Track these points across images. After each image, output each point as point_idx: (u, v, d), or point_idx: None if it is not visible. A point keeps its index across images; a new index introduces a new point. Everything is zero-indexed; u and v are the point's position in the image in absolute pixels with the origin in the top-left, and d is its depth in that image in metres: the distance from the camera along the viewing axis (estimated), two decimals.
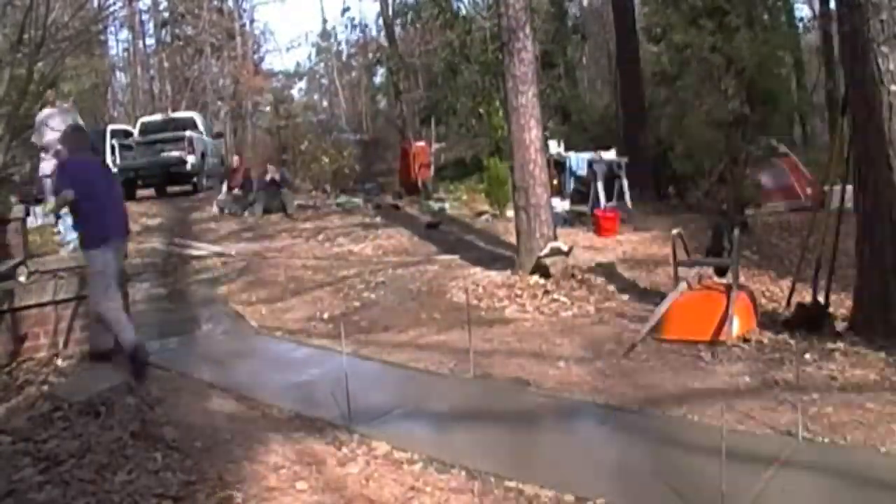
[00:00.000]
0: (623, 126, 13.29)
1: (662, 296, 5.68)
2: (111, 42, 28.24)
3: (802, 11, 19.64)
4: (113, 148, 14.48)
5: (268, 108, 25.32)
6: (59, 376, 4.36)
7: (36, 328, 4.66)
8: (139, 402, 4.10)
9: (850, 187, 5.28)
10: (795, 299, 5.73)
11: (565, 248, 7.22)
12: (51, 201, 5.73)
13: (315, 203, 13.42)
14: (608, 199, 10.48)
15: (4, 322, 4.51)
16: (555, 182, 10.04)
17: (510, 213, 8.66)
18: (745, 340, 4.93)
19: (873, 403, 3.80)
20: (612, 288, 6.62)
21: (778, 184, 10.29)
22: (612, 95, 17.42)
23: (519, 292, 6.65)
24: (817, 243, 5.67)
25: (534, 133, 7.34)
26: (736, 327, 4.95)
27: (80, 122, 8.36)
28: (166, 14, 28.62)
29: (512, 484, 3.13)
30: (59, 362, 4.64)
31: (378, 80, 26.26)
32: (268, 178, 12.39)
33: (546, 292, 6.57)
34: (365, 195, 14.02)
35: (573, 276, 6.89)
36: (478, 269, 7.67)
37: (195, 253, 8.93)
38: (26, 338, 4.61)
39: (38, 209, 8.96)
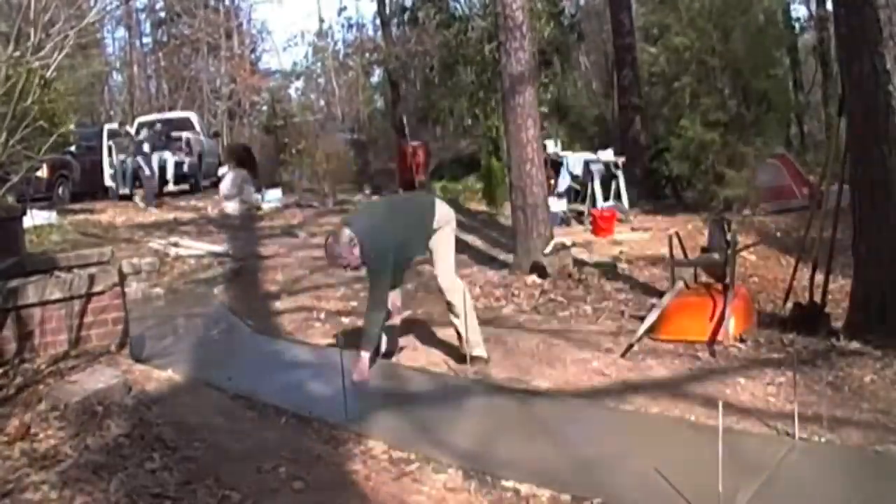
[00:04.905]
0: (620, 126, 13.30)
1: (659, 295, 5.69)
2: (107, 41, 28.21)
3: (799, 12, 19.66)
4: (110, 148, 14.46)
5: (265, 108, 25.29)
6: (57, 376, 4.35)
7: (38, 327, 4.64)
8: (136, 402, 4.10)
9: (847, 187, 5.29)
10: (792, 299, 5.74)
11: (569, 243, 7.29)
12: None
13: (313, 203, 13.42)
14: (605, 198, 10.49)
15: (9, 320, 4.49)
16: (551, 182, 10.06)
17: (507, 212, 8.67)
18: (742, 340, 4.93)
19: (868, 403, 3.81)
20: (609, 287, 6.63)
21: (774, 184, 10.31)
22: (610, 95, 17.43)
23: (516, 292, 6.66)
24: (814, 244, 5.68)
25: (531, 132, 7.34)
26: (733, 327, 4.96)
27: None
28: (163, 13, 28.57)
29: (509, 483, 3.13)
30: (58, 361, 4.63)
31: (375, 79, 26.25)
32: None
33: (543, 292, 6.57)
34: (363, 195, 14.03)
35: (570, 275, 6.90)
36: (475, 269, 7.68)
37: (192, 252, 8.91)
38: (28, 336, 4.59)
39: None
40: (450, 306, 4.74)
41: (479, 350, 4.75)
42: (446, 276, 4.71)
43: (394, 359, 5.04)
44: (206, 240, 9.88)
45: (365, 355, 4.49)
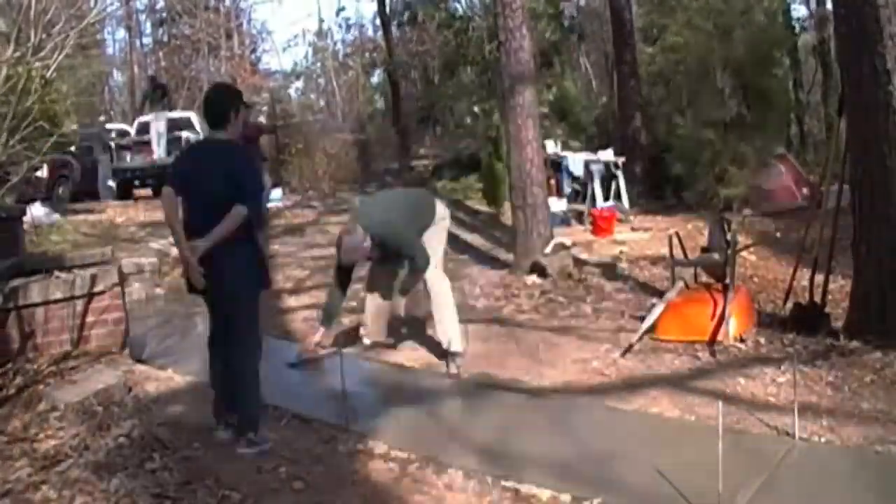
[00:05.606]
0: (620, 126, 13.30)
1: (659, 295, 5.68)
2: (108, 41, 28.21)
3: (799, 12, 19.65)
4: (110, 148, 14.50)
5: (265, 108, 25.29)
6: (57, 376, 4.36)
7: (40, 327, 4.64)
8: (136, 402, 4.10)
9: (847, 187, 5.29)
10: (792, 299, 5.74)
11: (568, 243, 7.29)
12: None
13: (313, 203, 13.42)
14: (605, 198, 10.48)
15: (11, 320, 4.49)
16: (551, 182, 10.05)
17: (508, 212, 8.67)
18: (742, 340, 4.93)
19: (868, 404, 3.81)
20: (609, 288, 6.62)
21: (775, 184, 10.30)
22: (610, 95, 17.41)
23: (516, 292, 6.65)
24: (814, 244, 5.68)
25: (531, 133, 7.34)
26: (733, 327, 4.96)
27: None
28: (163, 14, 28.57)
29: (509, 484, 3.13)
30: (59, 362, 4.63)
31: (375, 79, 26.26)
32: None
33: (543, 292, 6.57)
34: (365, 194, 14.01)
35: (570, 275, 6.89)
36: (475, 269, 7.68)
37: None
38: (30, 336, 4.60)
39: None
40: (433, 297, 4.87)
41: (455, 345, 4.78)
42: (434, 269, 4.84)
43: (394, 359, 5.04)
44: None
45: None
